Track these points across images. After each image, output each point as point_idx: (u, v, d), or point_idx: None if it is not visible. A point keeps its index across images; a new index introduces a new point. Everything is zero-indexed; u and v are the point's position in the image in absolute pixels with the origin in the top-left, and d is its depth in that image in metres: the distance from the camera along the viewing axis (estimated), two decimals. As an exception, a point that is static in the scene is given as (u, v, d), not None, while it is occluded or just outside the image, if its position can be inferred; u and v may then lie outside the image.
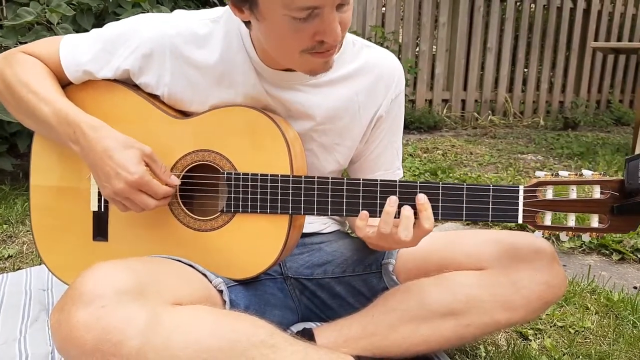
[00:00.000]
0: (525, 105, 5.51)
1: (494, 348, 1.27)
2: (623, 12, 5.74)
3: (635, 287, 1.73)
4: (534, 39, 5.44)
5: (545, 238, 1.03)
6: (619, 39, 5.75)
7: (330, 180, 1.01)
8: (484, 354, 1.24)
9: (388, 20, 4.87)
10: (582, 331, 1.38)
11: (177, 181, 1.04)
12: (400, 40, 4.92)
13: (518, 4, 5.34)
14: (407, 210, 0.96)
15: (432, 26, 5.07)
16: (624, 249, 1.98)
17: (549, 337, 1.34)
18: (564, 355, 1.26)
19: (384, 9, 4.89)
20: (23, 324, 1.24)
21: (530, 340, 1.33)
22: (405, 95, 5.37)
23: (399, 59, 4.79)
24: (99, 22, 2.48)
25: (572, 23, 5.53)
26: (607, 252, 2.00)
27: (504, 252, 1.05)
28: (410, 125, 4.66)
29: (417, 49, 5.08)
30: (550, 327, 1.40)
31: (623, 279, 1.79)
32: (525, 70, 5.52)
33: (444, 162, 3.55)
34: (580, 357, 1.25)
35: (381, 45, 1.23)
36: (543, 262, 1.03)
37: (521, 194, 0.97)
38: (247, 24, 0.98)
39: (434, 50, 5.15)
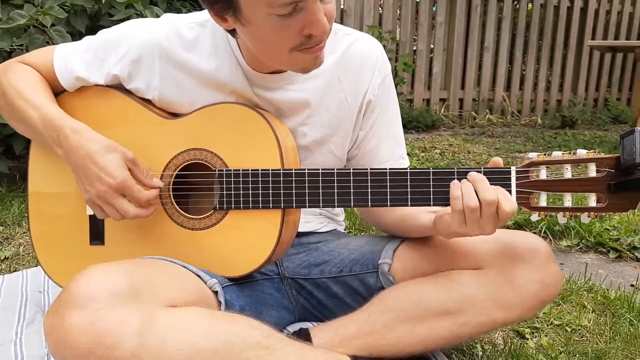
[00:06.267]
0: (523, 103, 5.51)
1: (490, 347, 1.27)
2: (620, 10, 5.74)
3: (632, 285, 1.73)
4: (531, 38, 5.44)
5: (543, 220, 0.99)
6: (616, 37, 5.75)
7: (320, 171, 1.00)
8: (480, 353, 1.23)
9: (385, 19, 4.87)
10: (579, 329, 1.38)
11: (159, 183, 1.04)
12: (397, 40, 4.92)
13: (515, 3, 5.34)
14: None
15: (430, 25, 5.07)
16: (620, 247, 1.98)
17: (546, 336, 1.34)
18: (560, 353, 1.26)
19: (380, 9, 4.89)
20: (19, 325, 1.24)
21: (527, 339, 1.32)
22: (403, 94, 5.32)
23: (396, 58, 4.84)
24: (93, 24, 2.46)
25: (569, 21, 5.53)
26: (604, 250, 2.00)
27: (500, 250, 1.05)
28: (408, 125, 4.66)
29: (415, 48, 5.08)
30: (547, 325, 1.40)
31: (620, 277, 1.79)
32: (523, 68, 5.52)
33: (442, 161, 3.55)
34: (577, 355, 1.25)
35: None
36: (539, 261, 1.03)
37: (513, 175, 0.95)
38: (233, 32, 0.98)
39: (431, 48, 5.15)
